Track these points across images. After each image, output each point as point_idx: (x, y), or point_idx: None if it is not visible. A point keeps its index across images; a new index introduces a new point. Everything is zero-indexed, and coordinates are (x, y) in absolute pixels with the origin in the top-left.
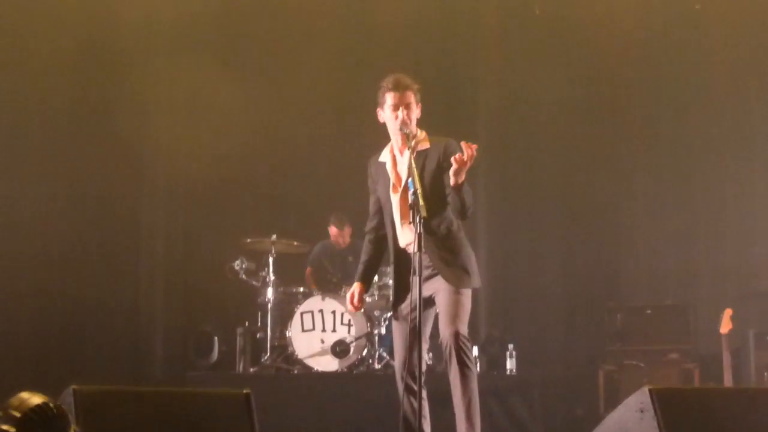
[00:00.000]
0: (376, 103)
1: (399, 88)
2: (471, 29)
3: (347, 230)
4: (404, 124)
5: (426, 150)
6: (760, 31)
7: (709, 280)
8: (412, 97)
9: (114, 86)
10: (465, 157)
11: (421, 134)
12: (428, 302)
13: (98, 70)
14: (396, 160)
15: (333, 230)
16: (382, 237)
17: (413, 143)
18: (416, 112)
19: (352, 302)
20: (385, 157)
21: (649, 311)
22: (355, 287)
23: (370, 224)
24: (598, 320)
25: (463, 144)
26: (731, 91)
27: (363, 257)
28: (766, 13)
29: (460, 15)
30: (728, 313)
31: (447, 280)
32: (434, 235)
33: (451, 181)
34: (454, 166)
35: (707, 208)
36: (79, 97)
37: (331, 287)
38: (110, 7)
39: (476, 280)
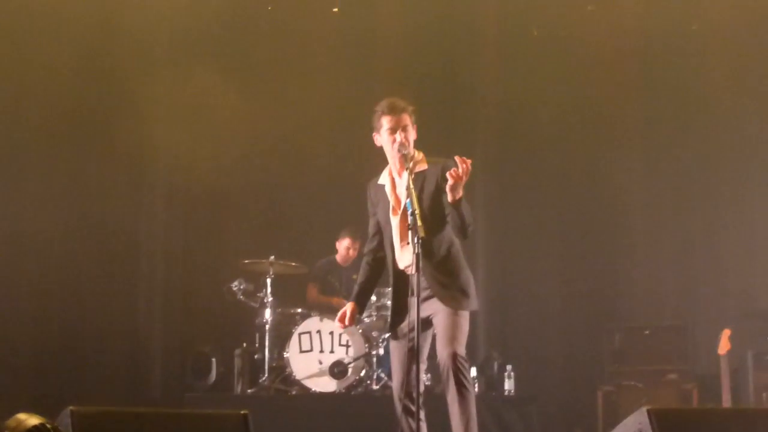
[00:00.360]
0: (370, 126)
1: (395, 111)
2: (470, 50)
3: (359, 243)
4: (402, 146)
5: (424, 171)
6: (757, 51)
7: (707, 301)
8: (408, 119)
9: (113, 107)
10: (460, 172)
11: (419, 155)
12: (426, 323)
13: (96, 91)
14: (395, 183)
15: (347, 242)
16: (381, 259)
17: (411, 165)
18: (413, 134)
19: (341, 320)
20: (384, 179)
21: (647, 332)
22: (349, 306)
23: (369, 246)
24: (597, 341)
25: (457, 159)
26: (729, 111)
27: (360, 278)
28: (762, 34)
29: (459, 36)
30: (726, 333)
31: (444, 302)
32: (433, 257)
33: (449, 198)
34: (450, 181)
35: (706, 229)
36: (78, 114)
37: (341, 293)
38: (110, 21)
39: (474, 303)
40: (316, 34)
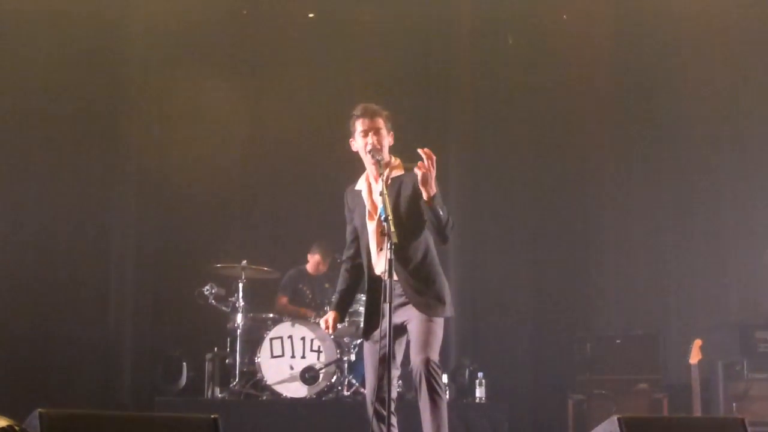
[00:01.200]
0: (346, 132)
1: (368, 114)
2: (445, 57)
3: (329, 259)
4: (375, 149)
5: (401, 176)
6: (730, 62)
7: (678, 311)
8: (381, 123)
9: (87, 108)
10: (426, 163)
11: (396, 161)
12: (400, 330)
13: (70, 93)
14: (371, 188)
15: (316, 258)
16: (359, 266)
17: (386, 170)
18: (388, 139)
19: (326, 325)
20: (361, 185)
21: (618, 341)
22: (330, 315)
23: (347, 253)
24: (568, 349)
25: (419, 151)
26: (703, 121)
27: (340, 286)
28: (735, 45)
29: (435, 43)
30: (698, 343)
31: (419, 308)
32: (409, 263)
33: (423, 195)
34: (419, 174)
35: (677, 239)
36: (52, 116)
37: (310, 304)
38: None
39: (449, 310)
40: (292, 40)
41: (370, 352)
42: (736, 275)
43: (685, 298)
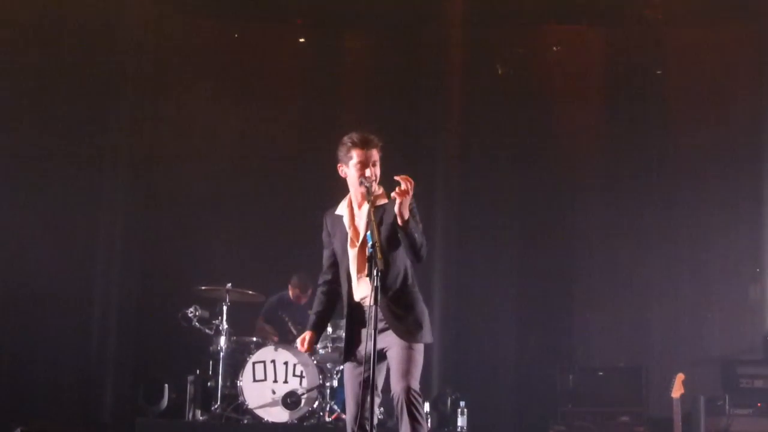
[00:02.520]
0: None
1: (367, 145)
2: (434, 84)
3: (310, 291)
4: (369, 180)
5: (384, 205)
6: (718, 96)
7: (662, 344)
8: (377, 155)
9: (77, 125)
10: (403, 188)
11: (379, 189)
12: (380, 356)
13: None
14: (354, 214)
15: (295, 292)
16: (335, 290)
17: (373, 198)
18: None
19: (302, 343)
20: (342, 210)
21: (601, 373)
22: (307, 334)
23: (324, 277)
24: (551, 380)
25: (397, 178)
26: (690, 155)
27: (316, 308)
28: (724, 80)
29: (424, 70)
30: (680, 377)
31: (399, 334)
32: (389, 290)
33: (398, 220)
34: (397, 200)
35: (662, 274)
36: (39, 135)
37: (291, 338)
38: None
39: (428, 336)
40: (282, 63)
41: (350, 376)
42: (719, 310)
43: (668, 332)
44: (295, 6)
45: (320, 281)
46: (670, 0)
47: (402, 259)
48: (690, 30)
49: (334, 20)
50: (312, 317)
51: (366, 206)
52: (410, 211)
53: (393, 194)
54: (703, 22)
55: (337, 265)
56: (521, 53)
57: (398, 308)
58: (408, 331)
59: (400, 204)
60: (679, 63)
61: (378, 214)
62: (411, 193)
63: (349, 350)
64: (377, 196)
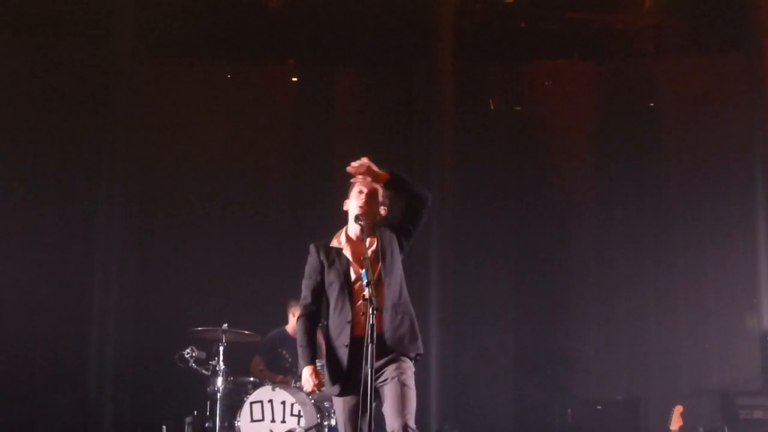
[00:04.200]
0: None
1: (369, 177)
2: (427, 121)
3: None
4: (363, 212)
5: (379, 233)
6: (716, 128)
7: (660, 377)
8: (378, 190)
9: (66, 158)
10: (355, 165)
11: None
12: (375, 391)
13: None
14: (353, 248)
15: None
16: (318, 320)
17: (365, 236)
18: (380, 207)
19: (316, 386)
20: (337, 243)
21: (599, 406)
22: (310, 370)
23: (309, 308)
24: (549, 414)
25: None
26: (682, 185)
27: (306, 340)
28: (722, 112)
29: (416, 107)
30: (678, 409)
31: (395, 345)
32: (389, 305)
33: (379, 178)
34: (357, 175)
35: (659, 305)
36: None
37: (290, 374)
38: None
39: (421, 347)
40: (274, 102)
41: (345, 410)
42: (716, 341)
43: (666, 364)
44: (287, 46)
45: (304, 311)
46: (660, 32)
47: (399, 275)
48: (680, 61)
49: (326, 59)
50: (307, 350)
51: (368, 242)
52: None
53: (348, 168)
54: (693, 53)
55: (322, 295)
56: (513, 88)
57: (396, 317)
58: (404, 340)
59: (364, 175)
60: (671, 94)
61: (379, 244)
62: (365, 166)
63: (347, 383)
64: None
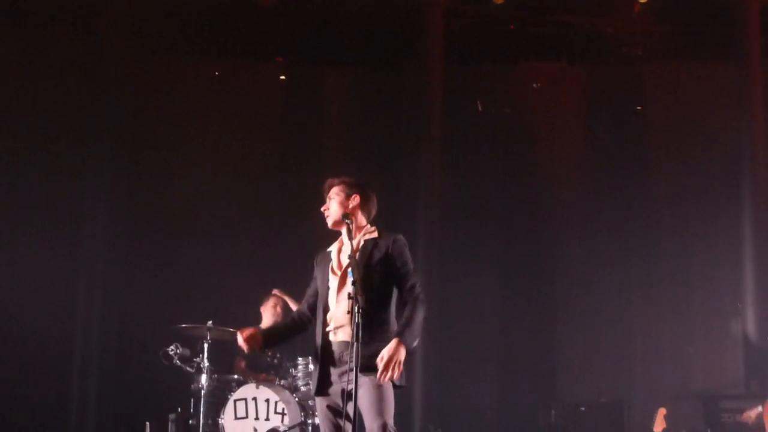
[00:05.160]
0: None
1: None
2: (415, 122)
3: (283, 301)
4: (328, 217)
5: (375, 239)
6: (705, 134)
7: (643, 379)
8: (333, 192)
9: (58, 173)
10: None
11: (371, 228)
12: (350, 394)
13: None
14: (342, 247)
15: (272, 300)
16: (304, 319)
17: (359, 234)
18: (335, 207)
19: (242, 334)
20: (333, 247)
21: (583, 408)
22: (255, 330)
23: (301, 307)
24: (533, 416)
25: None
26: (669, 193)
27: (279, 323)
28: (711, 117)
29: (404, 108)
30: (662, 412)
31: (365, 361)
32: (372, 324)
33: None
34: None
35: (643, 309)
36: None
37: (272, 370)
38: None
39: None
40: (263, 100)
41: (318, 409)
42: (701, 345)
43: (650, 367)
44: (275, 44)
45: (300, 308)
46: (649, 37)
47: (389, 296)
48: (669, 66)
49: (315, 57)
50: (270, 329)
51: (354, 240)
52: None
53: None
54: (682, 58)
55: (315, 301)
56: (501, 90)
57: (370, 328)
58: (374, 356)
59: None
60: (659, 99)
61: (368, 247)
62: (396, 371)
63: (322, 387)
64: (368, 232)
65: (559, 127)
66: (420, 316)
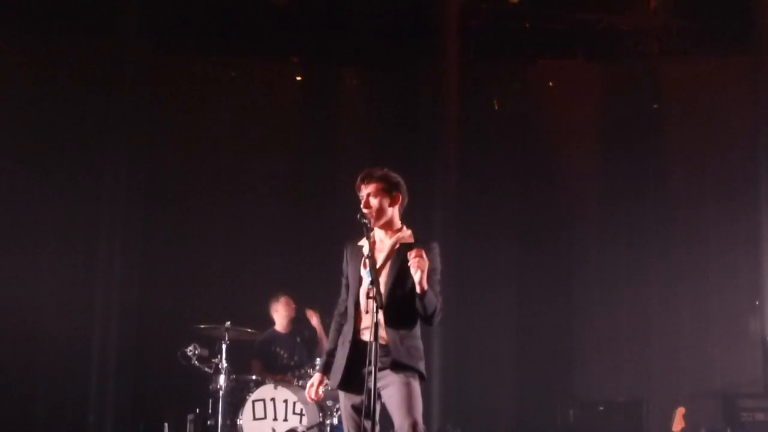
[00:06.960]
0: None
1: (361, 180)
2: (432, 122)
3: (293, 307)
4: (362, 214)
5: (411, 244)
6: (722, 132)
7: (662, 378)
8: (372, 188)
9: (75, 174)
10: (416, 264)
11: (407, 232)
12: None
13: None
14: (375, 245)
15: (283, 300)
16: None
17: (400, 236)
18: (379, 204)
19: (310, 394)
20: (364, 241)
21: (601, 407)
22: (317, 378)
23: (339, 309)
24: (551, 415)
25: (409, 254)
26: (687, 191)
27: (329, 346)
28: (727, 114)
29: (421, 107)
30: (681, 411)
31: (398, 357)
32: (401, 328)
33: (417, 289)
34: (417, 274)
35: (662, 307)
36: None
37: (289, 371)
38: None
39: (423, 367)
40: (279, 101)
41: (343, 406)
42: (719, 343)
43: (668, 365)
44: (291, 44)
45: (336, 313)
46: (666, 33)
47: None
48: (685, 63)
49: (330, 57)
50: (324, 358)
51: (389, 240)
52: (433, 265)
53: (410, 263)
54: (698, 55)
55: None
56: (517, 88)
57: (404, 348)
58: (408, 354)
59: (420, 278)
60: (675, 96)
61: (401, 252)
62: (425, 266)
63: (348, 380)
64: (405, 236)
65: (576, 125)
66: (435, 305)
